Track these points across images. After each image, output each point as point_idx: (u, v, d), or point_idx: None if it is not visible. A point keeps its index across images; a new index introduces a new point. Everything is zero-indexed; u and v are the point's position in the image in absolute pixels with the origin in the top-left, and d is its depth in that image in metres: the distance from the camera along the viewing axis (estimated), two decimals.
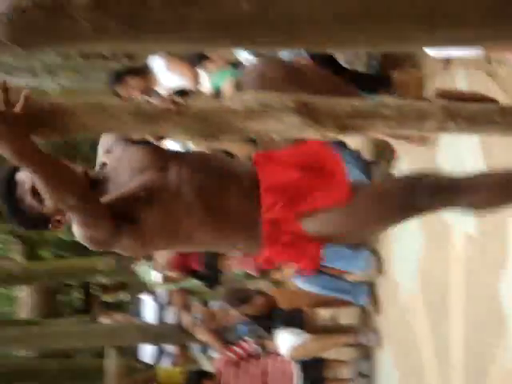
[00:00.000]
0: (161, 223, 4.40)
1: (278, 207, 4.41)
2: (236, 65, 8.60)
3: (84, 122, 3.84)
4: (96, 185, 4.48)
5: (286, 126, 3.93)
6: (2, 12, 3.49)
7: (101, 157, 4.67)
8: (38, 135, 3.89)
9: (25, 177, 4.43)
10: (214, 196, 4.42)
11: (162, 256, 10.67)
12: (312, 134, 4.04)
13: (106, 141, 4.67)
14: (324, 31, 3.79)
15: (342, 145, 8.23)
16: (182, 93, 8.64)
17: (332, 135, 4.12)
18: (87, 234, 4.30)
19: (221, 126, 3.91)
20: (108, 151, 4.62)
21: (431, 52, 6.56)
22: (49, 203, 4.35)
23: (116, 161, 4.53)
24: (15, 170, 4.50)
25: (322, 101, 4.06)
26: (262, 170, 4.47)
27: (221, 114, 3.90)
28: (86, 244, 4.42)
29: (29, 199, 4.42)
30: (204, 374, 9.96)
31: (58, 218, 4.52)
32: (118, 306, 21.27)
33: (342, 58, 7.50)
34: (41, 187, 4.04)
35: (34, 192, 4.37)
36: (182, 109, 3.89)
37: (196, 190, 4.38)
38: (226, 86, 8.46)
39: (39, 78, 12.42)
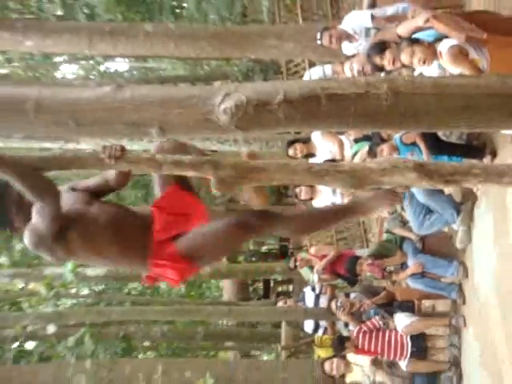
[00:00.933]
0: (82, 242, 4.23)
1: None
2: (368, 137, 8.51)
3: (273, 176, 3.87)
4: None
5: (406, 180, 3.88)
6: (228, 107, 3.56)
7: None
8: (244, 183, 3.95)
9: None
10: (119, 229, 4.28)
11: (319, 264, 10.65)
12: (424, 184, 3.99)
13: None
14: (436, 119, 3.78)
15: (440, 191, 8.10)
16: (333, 161, 8.63)
17: (439, 186, 4.05)
18: (38, 229, 4.07)
19: (364, 180, 3.88)
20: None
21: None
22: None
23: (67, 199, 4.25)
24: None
25: (432, 163, 4.02)
26: (157, 215, 4.36)
27: (364, 172, 3.88)
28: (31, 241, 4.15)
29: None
30: (346, 338, 9.93)
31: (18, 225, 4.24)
32: (286, 294, 21.20)
33: (441, 133, 7.37)
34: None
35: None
36: (339, 168, 3.90)
37: (108, 223, 4.24)
38: (362, 151, 8.41)
39: (239, 144, 12.53)
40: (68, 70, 22.04)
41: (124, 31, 11.82)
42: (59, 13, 16.26)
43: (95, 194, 4.43)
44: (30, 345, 13.42)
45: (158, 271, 4.40)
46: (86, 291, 15.89)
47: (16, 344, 12.97)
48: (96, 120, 3.85)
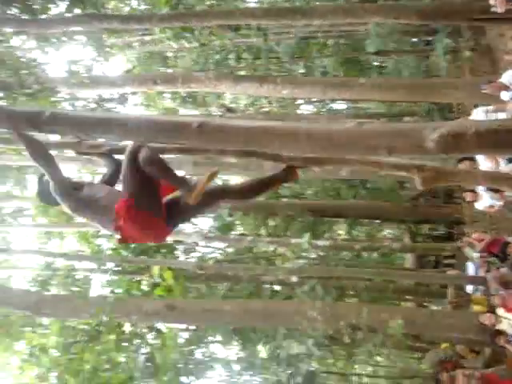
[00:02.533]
0: None
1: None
2: None
3: (461, 179, 3.83)
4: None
5: None
6: (435, 137, 3.53)
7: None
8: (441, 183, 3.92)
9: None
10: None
11: (479, 245, 10.37)
12: None
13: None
14: None
15: None
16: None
17: None
18: None
19: None
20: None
21: None
22: None
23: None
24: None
25: None
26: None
27: None
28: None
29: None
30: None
31: None
32: (450, 266, 20.34)
33: None
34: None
35: None
36: (508, 176, 3.81)
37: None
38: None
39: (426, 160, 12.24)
40: (305, 108, 22.53)
41: (345, 83, 12.09)
42: (302, 71, 16.79)
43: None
44: (278, 288, 13.91)
45: (122, 226, 4.25)
46: (314, 255, 16.11)
47: (270, 286, 13.53)
48: (345, 144, 3.95)
